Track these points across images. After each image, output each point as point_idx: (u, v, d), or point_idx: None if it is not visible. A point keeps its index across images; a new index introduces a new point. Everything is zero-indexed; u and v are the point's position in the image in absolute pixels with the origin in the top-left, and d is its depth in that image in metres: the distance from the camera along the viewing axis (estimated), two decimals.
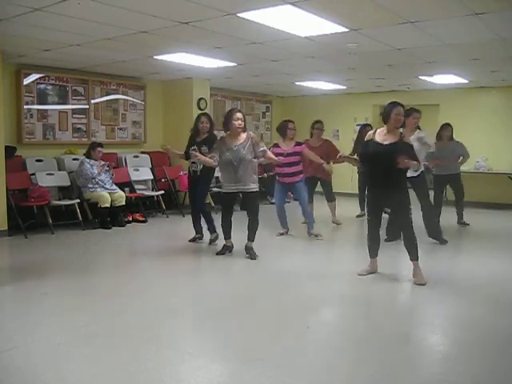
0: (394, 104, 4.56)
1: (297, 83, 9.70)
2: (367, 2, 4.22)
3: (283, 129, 6.56)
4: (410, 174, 4.99)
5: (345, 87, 10.25)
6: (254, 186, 5.43)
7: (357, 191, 8.52)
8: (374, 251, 4.89)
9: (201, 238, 6.40)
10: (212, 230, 6.25)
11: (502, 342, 3.38)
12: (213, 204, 8.84)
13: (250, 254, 5.50)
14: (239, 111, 5.47)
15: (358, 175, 8.47)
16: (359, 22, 4.90)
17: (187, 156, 6.01)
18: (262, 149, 5.45)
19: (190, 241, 6.36)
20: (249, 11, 4.50)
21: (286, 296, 4.35)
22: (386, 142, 4.49)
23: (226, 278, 5.02)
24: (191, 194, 6.38)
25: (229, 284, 4.76)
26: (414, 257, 4.61)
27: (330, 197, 7.52)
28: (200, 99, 9.18)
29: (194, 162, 5.99)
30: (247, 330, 3.54)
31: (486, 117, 9.77)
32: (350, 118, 11.04)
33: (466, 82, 9.03)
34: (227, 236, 5.72)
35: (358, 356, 3.12)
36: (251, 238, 5.56)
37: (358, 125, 11.28)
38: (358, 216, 8.32)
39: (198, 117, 6.16)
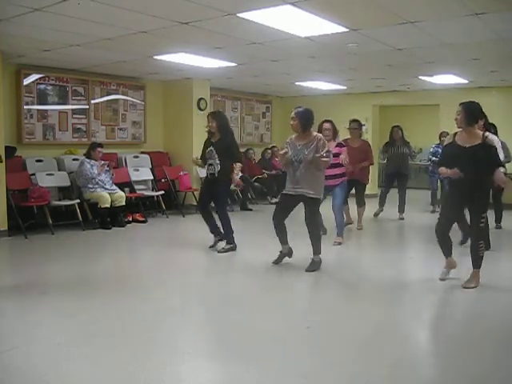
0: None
1: (297, 83, 9.70)
2: (367, 2, 4.23)
3: (319, 129, 6.07)
4: None
5: (345, 87, 10.25)
6: (313, 193, 4.92)
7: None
8: (447, 250, 4.65)
9: (221, 239, 5.96)
10: (229, 240, 5.83)
11: (503, 341, 3.38)
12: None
13: (310, 265, 5.02)
14: (296, 108, 5.04)
15: (383, 175, 8.52)
16: (359, 22, 4.90)
17: (204, 158, 5.84)
18: (325, 150, 4.84)
19: (210, 247, 5.96)
20: (249, 11, 4.50)
21: (286, 296, 4.35)
22: (467, 145, 4.34)
23: (226, 278, 5.02)
24: (203, 197, 6.03)
25: (229, 284, 4.76)
26: (475, 265, 4.46)
27: (361, 201, 7.43)
28: (200, 99, 9.18)
29: (210, 164, 5.75)
30: (247, 330, 3.53)
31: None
32: (350, 118, 10.99)
33: (465, 82, 9.03)
34: (282, 241, 5.18)
35: (358, 356, 3.11)
36: (314, 250, 5.06)
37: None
38: (376, 214, 8.39)
39: (207, 117, 5.92)
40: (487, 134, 4.45)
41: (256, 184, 10.03)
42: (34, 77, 7.52)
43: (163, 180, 8.81)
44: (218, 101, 10.56)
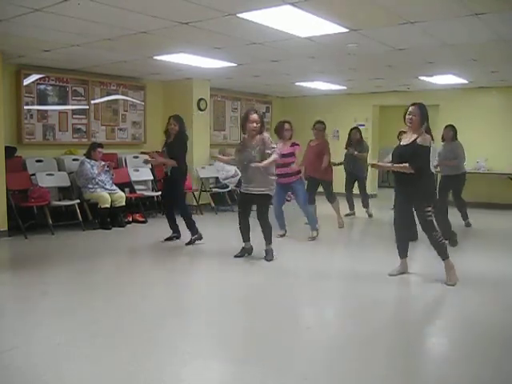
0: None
1: (297, 84, 9.70)
2: (367, 2, 4.23)
3: (279, 129, 6.48)
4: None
5: (345, 87, 10.25)
6: (263, 189, 5.29)
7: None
8: (403, 252, 4.83)
9: (178, 237, 6.46)
10: (193, 232, 6.26)
11: (504, 342, 3.38)
12: (213, 204, 8.90)
13: (267, 255, 5.46)
14: (256, 112, 5.36)
15: (345, 175, 8.52)
16: (359, 23, 4.90)
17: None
18: (269, 151, 5.23)
19: (165, 240, 6.42)
20: (249, 11, 4.50)
21: (287, 297, 4.35)
22: (403, 143, 4.61)
23: (227, 278, 5.01)
24: (164, 194, 6.76)
25: (229, 285, 4.75)
26: (442, 256, 4.61)
27: (331, 198, 7.50)
28: (200, 99, 9.19)
29: (165, 164, 6.32)
30: (247, 330, 3.54)
31: (486, 117, 9.77)
32: (349, 119, 11.02)
33: (465, 82, 9.03)
34: (244, 238, 5.59)
35: (358, 357, 3.11)
36: (266, 240, 5.50)
37: (357, 125, 11.32)
38: (347, 215, 8.34)
39: (168, 119, 6.28)
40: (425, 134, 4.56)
41: None
42: (34, 77, 7.52)
43: (163, 180, 8.80)
44: (218, 101, 10.57)
